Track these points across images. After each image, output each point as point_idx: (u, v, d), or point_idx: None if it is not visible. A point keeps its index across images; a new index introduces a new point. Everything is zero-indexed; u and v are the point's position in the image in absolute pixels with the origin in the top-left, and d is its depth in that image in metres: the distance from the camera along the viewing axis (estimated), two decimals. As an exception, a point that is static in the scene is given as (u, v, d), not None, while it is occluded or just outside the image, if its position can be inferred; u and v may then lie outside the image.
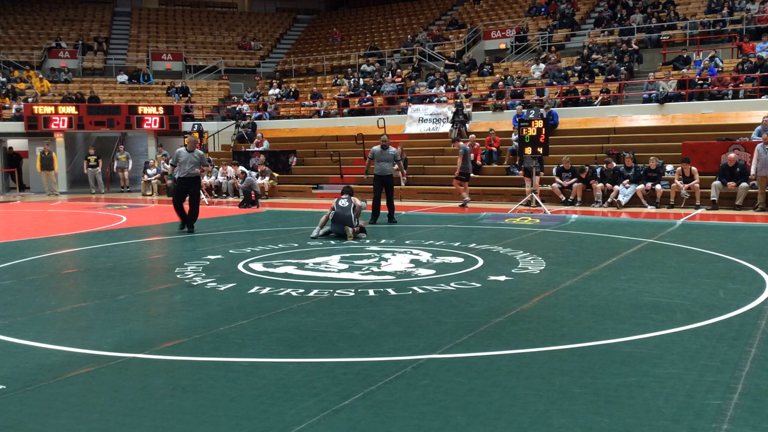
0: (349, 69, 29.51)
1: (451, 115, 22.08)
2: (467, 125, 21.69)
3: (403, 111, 24.18)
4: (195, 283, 7.88)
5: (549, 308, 6.50)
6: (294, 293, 7.23)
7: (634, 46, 23.70)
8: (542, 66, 24.02)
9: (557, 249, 10.22)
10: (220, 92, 30.79)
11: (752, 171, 14.86)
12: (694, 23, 24.25)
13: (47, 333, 5.85)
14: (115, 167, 25.40)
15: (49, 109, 24.82)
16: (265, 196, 20.40)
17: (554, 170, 17.47)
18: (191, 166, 12.71)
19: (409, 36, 32.02)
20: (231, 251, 10.17)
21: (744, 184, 15.04)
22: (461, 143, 16.72)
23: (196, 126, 21.94)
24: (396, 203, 14.77)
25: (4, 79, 27.66)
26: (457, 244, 10.64)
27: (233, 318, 6.23)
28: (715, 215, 14.29)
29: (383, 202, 13.71)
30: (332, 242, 11.00)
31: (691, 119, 19.23)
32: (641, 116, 20.12)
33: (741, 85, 19.68)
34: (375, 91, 26.02)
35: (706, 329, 5.67)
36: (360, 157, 20.84)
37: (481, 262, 9.02)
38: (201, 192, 13.12)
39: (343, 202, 11.54)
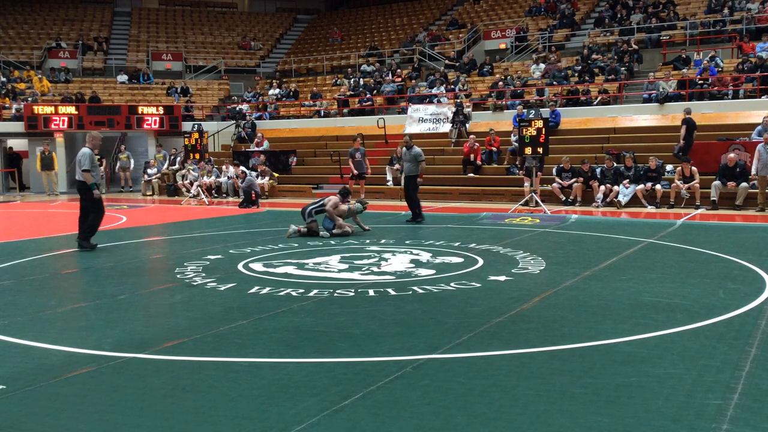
0: (349, 69, 29.51)
1: (451, 115, 22.08)
2: (467, 125, 21.69)
3: (403, 111, 24.18)
4: (195, 283, 7.88)
5: (549, 308, 6.50)
6: (294, 293, 7.22)
7: (634, 46, 23.69)
8: (542, 66, 24.01)
9: (557, 249, 10.21)
10: (220, 92, 30.79)
11: (753, 171, 14.86)
12: (694, 23, 24.24)
13: (47, 333, 5.85)
14: (117, 167, 25.41)
15: (49, 109, 24.82)
16: (265, 196, 20.40)
17: (554, 170, 17.47)
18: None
19: (409, 36, 32.01)
20: (231, 251, 10.17)
21: (744, 184, 15.04)
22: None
23: (196, 126, 21.94)
24: (395, 203, 14.84)
25: (4, 79, 27.66)
26: (457, 244, 10.64)
27: (233, 318, 6.23)
28: (715, 215, 14.28)
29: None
30: (332, 242, 11.00)
31: (691, 119, 19.22)
32: (641, 116, 20.12)
33: (741, 85, 19.68)
34: (375, 91, 26.02)
35: (706, 329, 5.67)
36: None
37: (481, 262, 9.02)
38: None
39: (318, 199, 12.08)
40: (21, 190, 26.20)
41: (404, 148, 14.05)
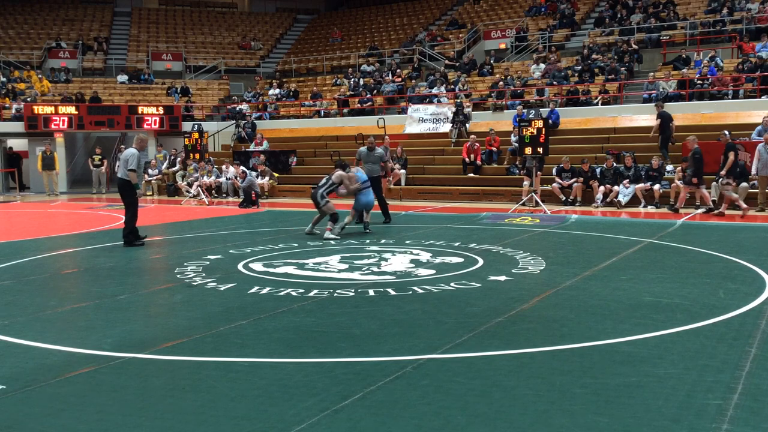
0: (349, 69, 29.50)
1: (451, 115, 22.08)
2: (467, 125, 21.70)
3: (403, 111, 24.18)
4: (195, 283, 7.87)
5: (549, 308, 6.50)
6: (294, 293, 7.22)
7: (634, 46, 23.69)
8: (542, 66, 24.01)
9: (557, 249, 10.21)
10: (220, 92, 30.79)
11: (753, 171, 14.87)
12: (694, 23, 24.24)
13: (47, 333, 5.85)
14: (116, 167, 25.38)
15: (49, 109, 24.82)
16: (265, 196, 20.40)
17: (554, 170, 17.47)
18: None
19: (409, 36, 32.00)
20: (231, 251, 10.17)
21: (744, 184, 15.03)
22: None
23: (196, 126, 21.93)
24: (396, 203, 14.85)
25: (4, 79, 27.65)
26: (457, 244, 10.64)
27: (233, 318, 6.23)
28: (715, 215, 14.28)
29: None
30: (332, 242, 11.00)
31: (691, 119, 19.21)
32: (641, 116, 20.10)
33: (741, 85, 19.67)
34: (375, 91, 26.02)
35: (706, 329, 5.67)
36: (360, 157, 20.88)
37: (481, 262, 9.02)
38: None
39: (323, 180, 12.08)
40: (21, 190, 26.18)
41: (366, 149, 13.50)
